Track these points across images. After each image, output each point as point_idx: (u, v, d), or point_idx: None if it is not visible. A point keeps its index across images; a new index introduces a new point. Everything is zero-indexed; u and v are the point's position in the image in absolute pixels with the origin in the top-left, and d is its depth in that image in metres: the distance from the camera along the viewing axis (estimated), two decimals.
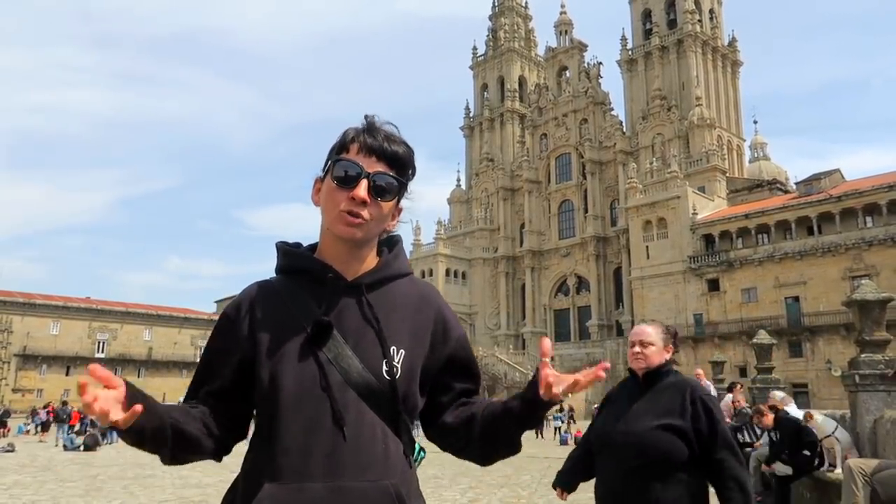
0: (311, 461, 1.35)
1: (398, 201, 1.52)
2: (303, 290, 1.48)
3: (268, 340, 1.43)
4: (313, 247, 1.56)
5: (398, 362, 1.43)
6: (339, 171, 1.44)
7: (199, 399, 1.49)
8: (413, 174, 1.53)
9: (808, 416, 8.23)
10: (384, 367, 1.41)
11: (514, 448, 1.47)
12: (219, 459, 1.51)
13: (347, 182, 1.43)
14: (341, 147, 1.48)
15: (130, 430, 1.24)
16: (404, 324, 1.49)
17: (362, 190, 1.42)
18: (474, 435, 1.47)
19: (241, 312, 1.49)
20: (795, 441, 8.04)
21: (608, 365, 1.30)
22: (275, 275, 1.57)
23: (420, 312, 1.53)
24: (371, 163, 1.45)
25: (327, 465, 1.34)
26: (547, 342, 1.34)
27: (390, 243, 1.58)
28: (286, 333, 1.43)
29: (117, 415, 1.17)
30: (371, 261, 1.53)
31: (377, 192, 1.44)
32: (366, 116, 1.51)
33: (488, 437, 1.46)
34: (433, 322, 1.54)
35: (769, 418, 8.59)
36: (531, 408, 1.36)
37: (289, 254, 1.55)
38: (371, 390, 1.40)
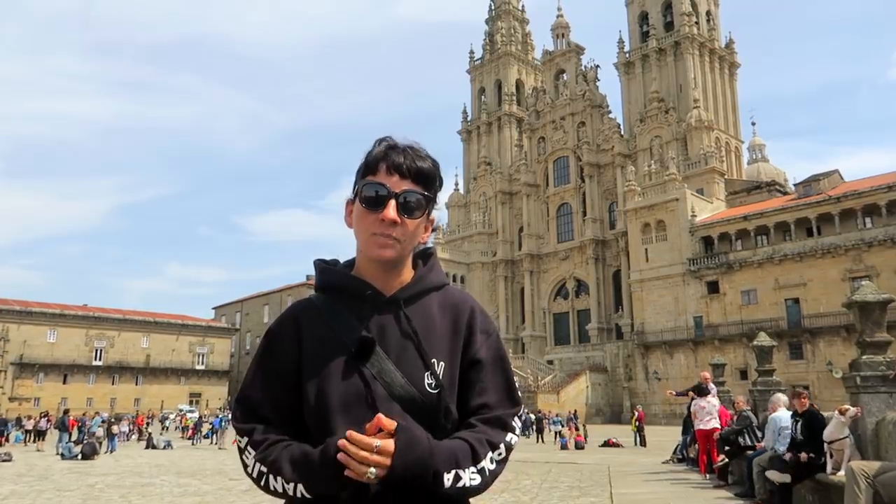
0: None
1: (428, 214, 1.54)
2: (344, 307, 1.51)
3: (313, 358, 1.47)
4: (351, 263, 1.59)
5: (440, 375, 1.46)
6: (367, 193, 1.47)
7: (271, 422, 1.47)
8: (440, 186, 1.56)
9: (843, 411, 8.10)
10: (426, 381, 1.45)
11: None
12: None
13: (377, 204, 1.46)
14: (367, 169, 1.50)
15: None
16: (443, 336, 1.51)
17: (391, 211, 1.45)
18: None
19: (286, 330, 1.53)
20: (812, 430, 8.07)
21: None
22: (314, 293, 1.60)
23: (456, 322, 1.55)
24: (398, 181, 1.47)
25: None
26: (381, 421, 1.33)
27: (424, 256, 1.61)
28: (330, 350, 1.47)
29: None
30: (407, 274, 1.56)
31: (406, 210, 1.47)
32: (383, 139, 1.53)
33: None
34: (465, 327, 1.55)
35: (804, 402, 8.61)
36: None
37: (326, 272, 1.58)
38: (415, 403, 1.43)
